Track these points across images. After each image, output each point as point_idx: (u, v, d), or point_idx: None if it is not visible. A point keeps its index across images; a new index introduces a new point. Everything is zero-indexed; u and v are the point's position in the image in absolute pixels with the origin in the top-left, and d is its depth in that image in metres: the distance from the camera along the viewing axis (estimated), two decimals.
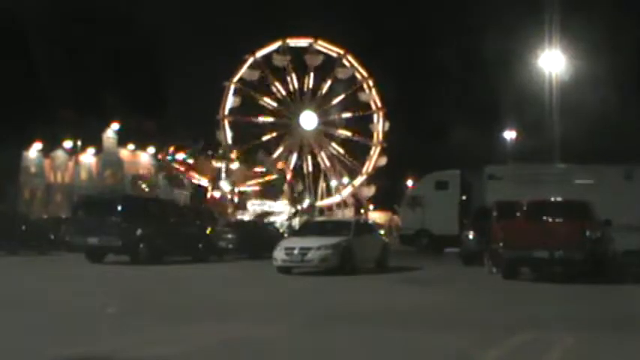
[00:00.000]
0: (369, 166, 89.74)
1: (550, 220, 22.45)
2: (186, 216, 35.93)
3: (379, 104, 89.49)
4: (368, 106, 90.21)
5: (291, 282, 23.00)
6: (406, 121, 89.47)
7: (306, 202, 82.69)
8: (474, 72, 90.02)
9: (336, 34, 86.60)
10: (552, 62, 43.60)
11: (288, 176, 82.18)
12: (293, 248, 24.64)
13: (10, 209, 53.47)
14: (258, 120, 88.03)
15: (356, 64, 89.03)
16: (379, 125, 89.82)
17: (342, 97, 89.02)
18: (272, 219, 69.80)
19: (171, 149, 79.65)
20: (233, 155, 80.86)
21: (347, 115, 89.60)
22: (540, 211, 22.91)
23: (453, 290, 20.29)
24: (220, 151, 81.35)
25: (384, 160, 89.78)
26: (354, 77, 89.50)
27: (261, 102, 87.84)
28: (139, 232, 29.19)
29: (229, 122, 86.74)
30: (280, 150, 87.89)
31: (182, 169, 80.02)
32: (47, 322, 12.66)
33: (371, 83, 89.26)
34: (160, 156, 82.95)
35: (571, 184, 38.43)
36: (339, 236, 25.45)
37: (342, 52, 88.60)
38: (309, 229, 29.78)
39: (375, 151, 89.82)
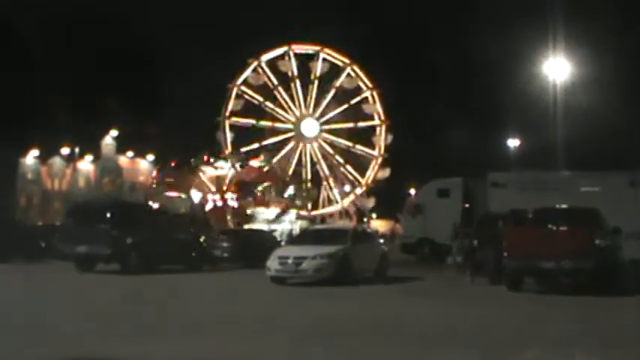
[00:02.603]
0: (369, 178, 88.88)
1: (557, 227, 21.26)
2: (179, 223, 34.81)
3: (382, 117, 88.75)
4: (371, 117, 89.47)
5: (283, 293, 21.91)
6: (407, 128, 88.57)
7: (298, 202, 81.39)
8: (477, 78, 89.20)
9: (341, 41, 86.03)
10: (556, 68, 42.67)
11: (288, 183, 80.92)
12: (287, 257, 23.56)
13: (3, 216, 52.34)
14: (260, 124, 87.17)
15: (361, 75, 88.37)
16: (381, 138, 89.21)
17: (345, 107, 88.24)
18: (273, 227, 68.50)
19: (173, 164, 78.57)
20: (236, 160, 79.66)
21: (349, 125, 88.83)
22: (547, 219, 21.76)
23: (454, 302, 19.21)
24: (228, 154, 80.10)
25: (386, 173, 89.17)
26: (358, 88, 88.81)
27: (263, 106, 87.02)
28: (129, 240, 28.07)
29: (230, 124, 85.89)
30: (280, 155, 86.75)
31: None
32: None
33: (375, 95, 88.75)
34: (155, 175, 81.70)
35: (576, 192, 37.43)
36: (336, 245, 24.25)
37: (347, 61, 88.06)
38: (304, 237, 28.60)
39: (376, 164, 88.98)
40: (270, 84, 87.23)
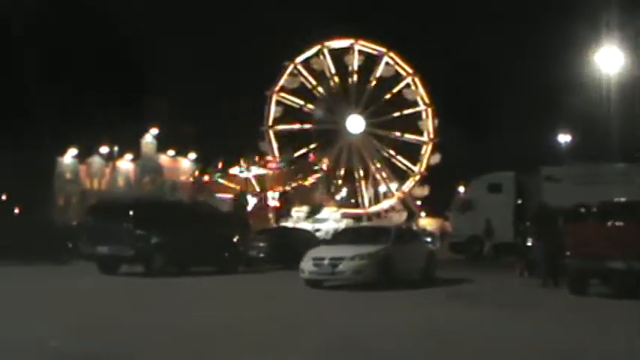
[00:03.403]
0: (421, 166, 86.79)
1: (626, 224, 18.71)
2: (212, 222, 32.45)
3: (427, 100, 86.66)
4: (415, 103, 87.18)
5: (317, 298, 19.68)
6: (456, 122, 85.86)
7: (340, 196, 79.75)
8: (527, 70, 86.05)
9: (377, 32, 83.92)
10: (609, 59, 40.18)
11: (324, 166, 79.35)
12: (322, 258, 21.30)
13: (37, 216, 50.90)
14: (304, 127, 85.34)
15: (399, 61, 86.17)
16: (429, 122, 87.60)
17: (387, 96, 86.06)
18: (317, 226, 66.51)
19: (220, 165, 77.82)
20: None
21: (395, 114, 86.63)
22: (614, 214, 19.24)
23: (511, 309, 16.85)
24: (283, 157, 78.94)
25: (437, 158, 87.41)
26: (397, 75, 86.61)
27: (304, 109, 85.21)
28: (153, 239, 26.07)
29: (274, 133, 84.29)
30: (328, 156, 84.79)
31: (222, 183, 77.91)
32: None
33: (416, 80, 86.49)
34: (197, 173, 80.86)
35: (634, 184, 35.12)
36: (377, 244, 21.96)
37: (383, 49, 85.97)
38: (342, 236, 26.06)
39: (427, 149, 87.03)
40: (308, 84, 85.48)
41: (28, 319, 14.25)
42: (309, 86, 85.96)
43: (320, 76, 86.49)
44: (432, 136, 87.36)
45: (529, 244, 25.14)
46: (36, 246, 32.77)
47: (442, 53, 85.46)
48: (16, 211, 61.80)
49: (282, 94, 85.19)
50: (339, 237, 26.29)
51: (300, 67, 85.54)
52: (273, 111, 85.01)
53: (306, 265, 21.42)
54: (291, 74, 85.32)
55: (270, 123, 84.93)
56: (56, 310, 16.10)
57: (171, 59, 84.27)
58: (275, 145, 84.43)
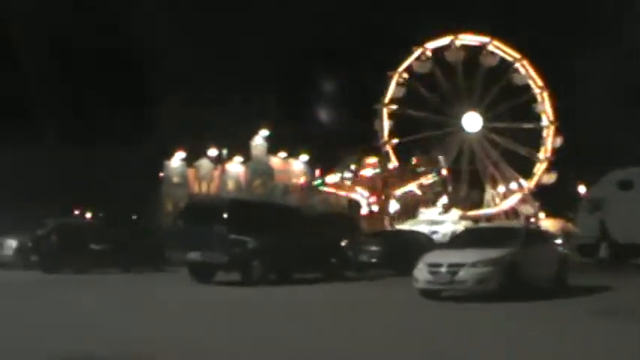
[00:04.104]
0: (546, 150, 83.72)
1: None
2: (318, 225, 29.74)
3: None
4: (538, 118, 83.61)
5: (431, 311, 16.84)
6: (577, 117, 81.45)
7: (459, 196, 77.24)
8: None
9: (512, 33, 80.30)
10: None
11: (444, 171, 77.04)
12: (439, 265, 18.29)
13: (141, 222, 49.79)
14: (420, 114, 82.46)
15: (532, 72, 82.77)
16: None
17: (512, 104, 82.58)
18: (433, 228, 63.57)
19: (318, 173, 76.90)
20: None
21: (515, 124, 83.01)
22: None
23: None
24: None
25: (552, 178, 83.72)
26: (527, 85, 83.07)
27: (425, 96, 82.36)
28: (250, 244, 23.58)
29: (388, 113, 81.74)
30: (439, 150, 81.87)
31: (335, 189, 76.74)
32: None
33: (545, 95, 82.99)
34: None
35: None
36: (503, 248, 18.80)
37: (518, 56, 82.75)
38: (462, 239, 22.38)
39: (548, 133, 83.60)
40: (435, 73, 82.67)
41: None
42: (435, 75, 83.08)
43: (448, 67, 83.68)
44: (551, 118, 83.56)
45: None
46: (135, 252, 31.75)
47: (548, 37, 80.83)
48: (134, 217, 60.83)
49: (405, 76, 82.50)
50: (457, 240, 22.79)
51: (429, 53, 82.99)
52: (393, 91, 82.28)
53: (421, 272, 18.51)
54: (419, 59, 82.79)
55: (387, 101, 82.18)
56: (131, 323, 13.78)
57: (280, 57, 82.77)
58: (387, 124, 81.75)
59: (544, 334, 13.12)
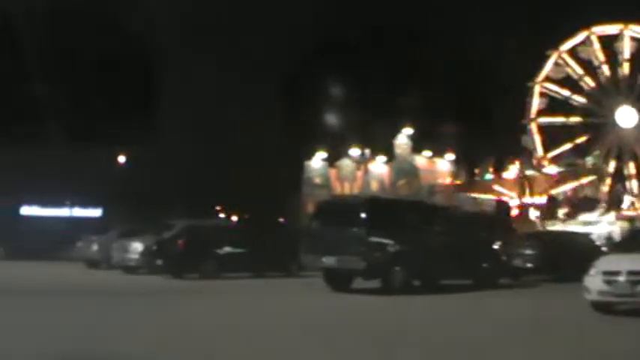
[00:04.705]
0: None
1: None
2: (467, 226, 26.75)
3: None
4: None
5: (612, 330, 13.72)
6: None
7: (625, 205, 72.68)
8: None
9: None
10: None
11: (607, 181, 72.97)
12: (616, 273, 15.20)
13: (288, 225, 48.20)
14: (569, 121, 78.17)
15: None
16: None
17: None
18: (587, 229, 59.83)
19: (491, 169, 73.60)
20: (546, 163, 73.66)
21: None
22: None
23: None
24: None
25: None
26: None
27: (570, 101, 78.06)
28: (391, 248, 21.01)
29: (538, 126, 77.87)
30: (595, 153, 77.22)
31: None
32: None
33: None
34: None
35: None
36: None
37: None
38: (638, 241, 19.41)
39: None
40: (574, 75, 78.15)
41: None
42: (576, 77, 78.49)
43: (587, 65, 78.79)
44: None
45: None
46: (269, 255, 29.98)
47: None
48: (280, 219, 59.29)
49: (546, 85, 78.39)
50: (634, 241, 19.56)
51: (565, 55, 78.35)
52: (537, 103, 78.44)
53: (594, 281, 15.45)
54: (555, 64, 78.35)
55: (533, 115, 78.39)
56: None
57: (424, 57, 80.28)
58: (538, 138, 77.84)
59: None
